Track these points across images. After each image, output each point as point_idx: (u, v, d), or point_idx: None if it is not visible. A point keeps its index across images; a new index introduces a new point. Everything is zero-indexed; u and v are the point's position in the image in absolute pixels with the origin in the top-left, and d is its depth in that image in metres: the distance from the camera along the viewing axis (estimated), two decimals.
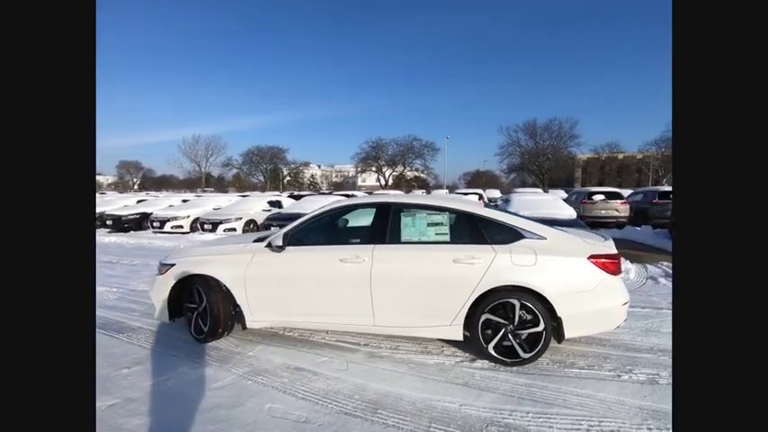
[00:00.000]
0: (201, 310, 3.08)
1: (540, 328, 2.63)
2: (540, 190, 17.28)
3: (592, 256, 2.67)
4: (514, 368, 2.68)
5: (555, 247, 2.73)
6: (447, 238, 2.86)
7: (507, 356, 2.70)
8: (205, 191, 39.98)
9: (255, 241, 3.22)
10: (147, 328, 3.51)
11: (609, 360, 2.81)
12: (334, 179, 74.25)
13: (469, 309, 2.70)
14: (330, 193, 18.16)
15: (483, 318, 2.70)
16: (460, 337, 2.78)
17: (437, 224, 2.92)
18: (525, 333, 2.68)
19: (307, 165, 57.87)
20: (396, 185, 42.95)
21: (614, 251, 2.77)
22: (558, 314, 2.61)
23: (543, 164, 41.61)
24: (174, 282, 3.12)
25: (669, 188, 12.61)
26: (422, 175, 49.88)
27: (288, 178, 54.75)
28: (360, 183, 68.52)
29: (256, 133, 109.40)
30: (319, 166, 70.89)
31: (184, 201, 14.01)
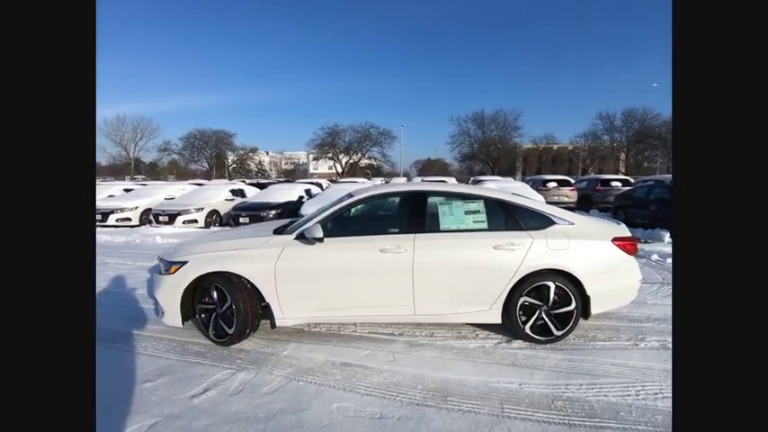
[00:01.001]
0: (224, 309, 2.80)
1: (572, 306, 2.84)
2: (501, 177, 18.33)
3: (615, 239, 2.92)
4: (548, 345, 2.86)
5: (583, 231, 2.93)
6: (485, 225, 2.92)
7: (541, 335, 2.88)
8: (134, 179, 35.65)
9: (277, 233, 2.99)
10: (146, 334, 3.11)
11: (621, 331, 3.13)
12: (284, 166, 71.16)
13: (509, 293, 2.81)
14: (292, 181, 17.45)
15: (521, 300, 2.84)
16: (499, 320, 2.89)
17: (474, 212, 2.97)
18: (558, 312, 2.87)
19: (254, 151, 54.33)
20: (350, 174, 42.39)
21: (630, 234, 3.06)
22: (588, 293, 2.83)
23: (492, 153, 44.09)
24: (191, 281, 2.79)
25: (609, 176, 14.29)
26: (374, 162, 49.84)
27: (233, 165, 51.09)
28: (312, 170, 66.61)
29: (195, 116, 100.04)
30: (267, 153, 67.12)
31: (126, 190, 12.45)
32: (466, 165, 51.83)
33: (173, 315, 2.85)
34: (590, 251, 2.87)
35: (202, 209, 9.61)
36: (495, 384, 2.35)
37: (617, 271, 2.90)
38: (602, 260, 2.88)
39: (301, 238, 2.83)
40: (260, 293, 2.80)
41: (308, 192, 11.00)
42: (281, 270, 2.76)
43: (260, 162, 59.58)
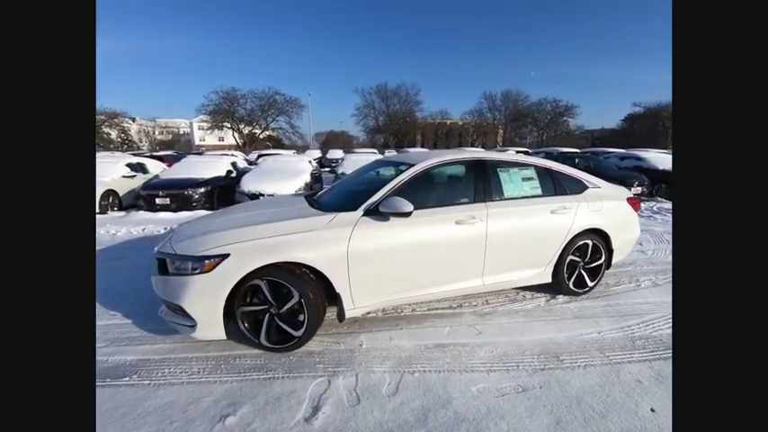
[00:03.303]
0: (285, 308, 2.26)
1: (602, 260, 3.23)
2: (392, 150, 19.01)
3: (628, 198, 3.39)
4: (584, 296, 3.22)
5: (608, 193, 3.31)
6: (539, 191, 3.02)
7: (579, 288, 3.21)
8: None
9: (323, 209, 2.54)
10: (159, 357, 2.29)
11: (619, 277, 3.72)
12: (159, 136, 59.42)
13: (561, 253, 3.02)
14: (200, 153, 14.71)
15: (568, 259, 3.08)
16: (550, 280, 3.09)
17: (529, 179, 3.02)
18: (591, 266, 3.23)
19: (114, 116, 43.12)
20: (252, 146, 37.92)
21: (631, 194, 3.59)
22: (613, 246, 3.25)
23: (401, 127, 45.50)
24: (240, 278, 2.13)
25: (504, 149, 16.59)
26: (275, 134, 45.76)
27: None
28: (198, 142, 57.60)
29: None
30: (134, 120, 54.40)
31: None
32: (369, 138, 52.38)
33: (212, 325, 2.15)
34: (615, 210, 3.27)
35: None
36: (581, 337, 2.54)
37: (629, 226, 3.39)
38: (622, 217, 3.32)
39: (373, 213, 2.43)
40: (327, 283, 2.34)
41: (234, 165, 9.51)
42: (354, 253, 2.34)
43: (124, 130, 48.13)
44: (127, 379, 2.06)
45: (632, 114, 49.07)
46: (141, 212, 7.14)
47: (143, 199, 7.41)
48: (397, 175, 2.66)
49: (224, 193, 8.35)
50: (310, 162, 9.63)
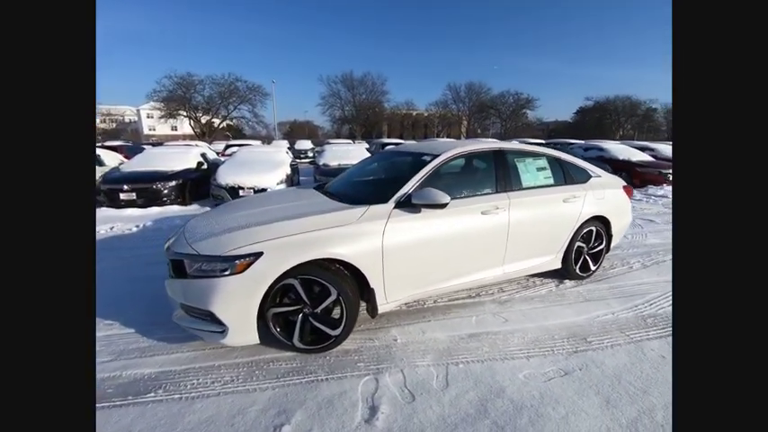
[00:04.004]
0: (320, 307, 2.14)
1: (603, 245, 3.42)
2: (344, 140, 18.72)
3: (624, 186, 3.61)
4: (587, 279, 3.40)
5: (608, 182, 3.49)
6: (551, 181, 3.11)
7: (583, 272, 3.38)
8: None
9: (347, 202, 2.44)
10: (182, 368, 2.08)
11: (614, 259, 3.97)
12: (101, 125, 53.98)
13: (570, 240, 3.15)
14: (160, 144, 13.49)
15: (576, 245, 3.23)
16: (560, 266, 3.23)
17: (542, 169, 3.10)
18: (593, 252, 3.41)
19: None
20: (211, 136, 35.54)
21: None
22: (611, 232, 3.45)
23: (370, 117, 44.94)
24: (276, 278, 1.98)
25: (472, 140, 16.93)
26: (233, 123, 43.24)
27: None
28: (147, 131, 53.22)
29: None
30: None
31: None
32: (334, 128, 51.34)
33: (245, 329, 1.99)
34: (614, 197, 3.46)
35: None
36: (599, 318, 2.68)
37: (625, 212, 3.61)
38: (619, 204, 3.52)
39: (405, 205, 2.36)
40: (360, 279, 2.25)
41: (204, 156, 8.88)
42: (389, 246, 2.27)
43: None
44: (152, 395, 1.85)
45: (583, 108, 52.50)
46: (104, 209, 6.46)
47: (104, 194, 6.69)
48: (421, 166, 2.61)
49: (196, 186, 7.80)
50: (288, 152, 9.22)
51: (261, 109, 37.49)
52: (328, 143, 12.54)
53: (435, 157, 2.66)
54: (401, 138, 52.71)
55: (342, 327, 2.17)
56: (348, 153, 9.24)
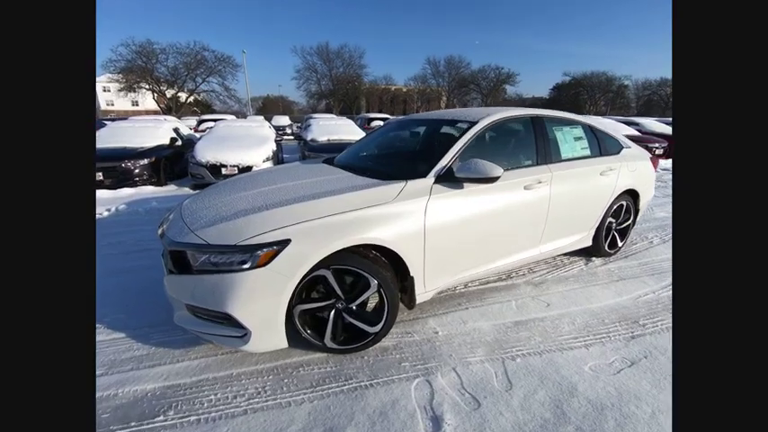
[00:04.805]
0: (359, 303, 1.82)
1: (630, 220, 3.26)
2: (329, 115, 17.91)
3: (651, 158, 3.42)
4: (615, 257, 3.25)
5: (638, 153, 3.29)
6: (588, 152, 2.85)
7: (611, 248, 3.22)
8: None
9: (372, 176, 2.08)
10: (200, 377, 1.72)
11: (633, 235, 3.84)
12: None
13: (603, 216, 2.95)
14: (124, 119, 12.21)
15: (608, 221, 3.04)
16: (590, 243, 3.04)
17: (579, 138, 2.83)
18: (620, 227, 3.24)
19: None
20: (175, 110, 32.92)
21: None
22: (639, 206, 3.29)
23: (341, 91, 43.19)
24: (308, 269, 1.63)
25: None
26: (199, 98, 40.25)
27: None
28: (105, 106, 48.99)
29: None
30: None
31: None
32: (310, 104, 49.18)
33: (271, 332, 1.65)
34: (644, 170, 3.27)
35: None
36: (643, 298, 2.52)
37: (651, 186, 3.45)
38: (648, 177, 3.34)
39: (445, 179, 2.03)
40: (400, 266, 1.94)
41: (177, 131, 8.07)
42: (431, 228, 1.95)
43: None
44: (162, 418, 1.49)
45: (560, 84, 52.92)
46: None
47: None
48: (458, 134, 2.26)
49: (171, 164, 7.09)
50: (270, 127, 8.52)
51: (232, 82, 34.82)
52: (313, 117, 11.70)
53: (473, 124, 2.32)
54: (380, 112, 51.50)
55: (383, 322, 1.87)
56: (339, 128, 8.65)
